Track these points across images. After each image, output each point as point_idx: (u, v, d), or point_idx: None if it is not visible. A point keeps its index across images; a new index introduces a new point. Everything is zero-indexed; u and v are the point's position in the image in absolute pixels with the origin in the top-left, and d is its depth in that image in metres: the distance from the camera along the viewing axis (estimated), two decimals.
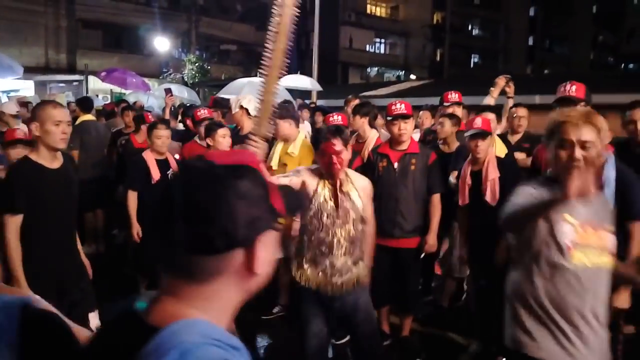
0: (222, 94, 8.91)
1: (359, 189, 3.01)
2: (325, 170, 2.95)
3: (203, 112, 5.28)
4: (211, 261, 0.83)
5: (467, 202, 3.77)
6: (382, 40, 38.22)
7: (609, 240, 2.01)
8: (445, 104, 5.13)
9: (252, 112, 5.09)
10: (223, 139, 4.46)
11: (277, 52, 1.77)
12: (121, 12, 23.64)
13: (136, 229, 4.41)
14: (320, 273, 2.94)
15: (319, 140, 2.97)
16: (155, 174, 4.45)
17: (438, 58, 40.69)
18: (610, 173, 2.81)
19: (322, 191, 2.94)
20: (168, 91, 6.94)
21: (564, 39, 50.89)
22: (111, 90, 18.10)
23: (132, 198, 4.47)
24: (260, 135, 1.80)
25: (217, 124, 4.64)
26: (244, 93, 7.96)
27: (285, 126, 4.49)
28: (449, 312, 4.78)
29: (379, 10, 37.78)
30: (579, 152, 1.93)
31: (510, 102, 5.20)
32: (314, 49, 15.64)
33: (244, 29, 28.24)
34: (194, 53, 23.63)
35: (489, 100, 5.14)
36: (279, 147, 4.60)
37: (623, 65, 41.12)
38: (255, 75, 12.20)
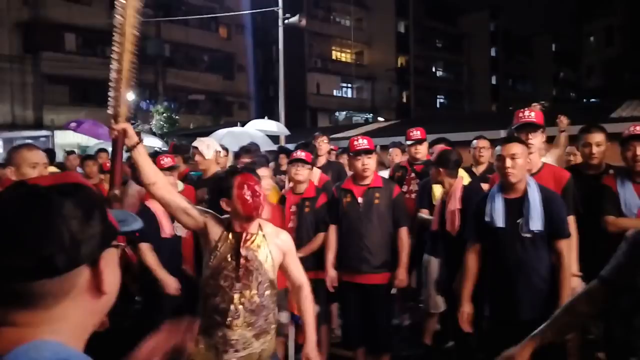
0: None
1: (275, 247, 2.49)
2: (237, 214, 2.41)
3: (167, 161, 4.93)
4: (53, 284, 0.78)
5: (436, 228, 3.86)
6: (349, 85, 38.99)
7: None
8: (408, 141, 5.07)
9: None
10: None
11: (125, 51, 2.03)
12: (87, 66, 23.57)
13: None
14: (212, 347, 2.43)
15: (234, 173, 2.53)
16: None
17: (405, 100, 41.59)
18: (534, 195, 2.90)
19: (223, 245, 2.43)
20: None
21: (526, 77, 52.84)
22: (78, 144, 17.82)
23: None
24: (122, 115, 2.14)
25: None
26: (224, 143, 7.81)
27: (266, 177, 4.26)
28: (435, 351, 4.46)
29: (344, 56, 38.69)
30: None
31: (562, 136, 4.79)
32: (280, 92, 15.68)
33: (211, 79, 28.46)
34: (162, 104, 23.56)
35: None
36: None
37: (585, 100, 42.63)
38: (224, 124, 12.23)
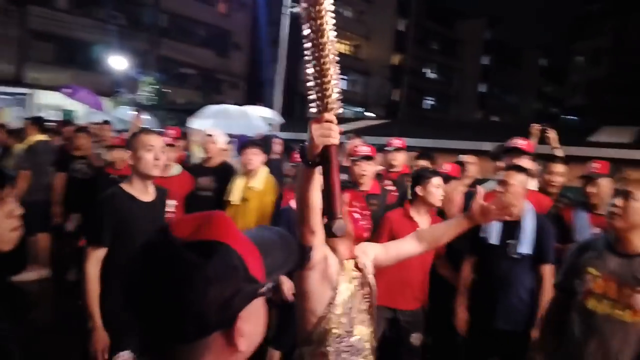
0: (193, 123, 8.46)
1: (369, 262, 2.19)
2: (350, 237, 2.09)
3: (165, 139, 4.87)
4: (185, 349, 0.77)
5: None
6: (343, 77, 38.91)
7: (634, 298, 2.19)
8: (388, 148, 5.10)
9: (221, 141, 4.92)
10: (437, 189, 3.54)
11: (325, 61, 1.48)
12: (77, 27, 22.97)
13: None
14: None
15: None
16: None
17: (395, 98, 41.75)
18: (529, 221, 3.19)
19: (346, 276, 2.05)
20: (137, 113, 6.67)
21: (513, 89, 53.49)
22: (59, 106, 17.39)
23: None
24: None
25: (430, 172, 3.71)
26: (218, 122, 7.55)
27: (249, 155, 4.35)
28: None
29: (342, 47, 38.55)
30: None
31: (558, 153, 4.84)
32: (278, 79, 15.45)
33: (204, 54, 28.02)
34: (152, 75, 23.16)
35: None
36: (239, 180, 4.40)
37: (567, 116, 43.51)
38: (214, 101, 11.97)
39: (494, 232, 3.24)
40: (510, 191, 3.16)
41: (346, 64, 38.07)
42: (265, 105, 13.65)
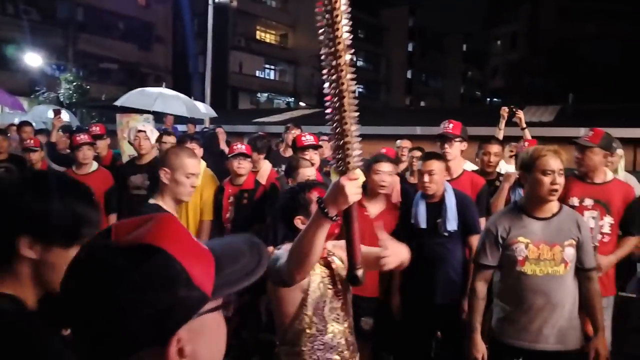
0: (126, 104, 8.10)
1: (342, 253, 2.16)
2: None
3: (83, 137, 4.67)
4: None
5: None
6: (272, 67, 38.68)
7: (565, 253, 2.57)
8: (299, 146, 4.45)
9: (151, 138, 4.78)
10: (378, 175, 3.57)
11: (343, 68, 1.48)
12: None
13: None
14: None
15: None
16: None
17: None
18: (451, 199, 3.39)
19: (316, 276, 2.09)
20: (57, 112, 6.36)
21: (438, 74, 55.31)
22: None
23: None
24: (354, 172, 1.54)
25: (373, 159, 3.72)
26: (156, 107, 7.30)
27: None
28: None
29: (269, 37, 38.28)
30: None
31: (526, 133, 5.03)
32: (206, 71, 15.21)
33: (126, 48, 27.00)
34: (71, 71, 22.03)
35: (498, 133, 5.06)
36: None
37: (489, 99, 45.60)
38: None
39: (420, 217, 3.42)
40: (434, 180, 3.36)
41: (274, 54, 37.88)
42: (195, 99, 13.40)
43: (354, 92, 1.55)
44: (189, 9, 22.14)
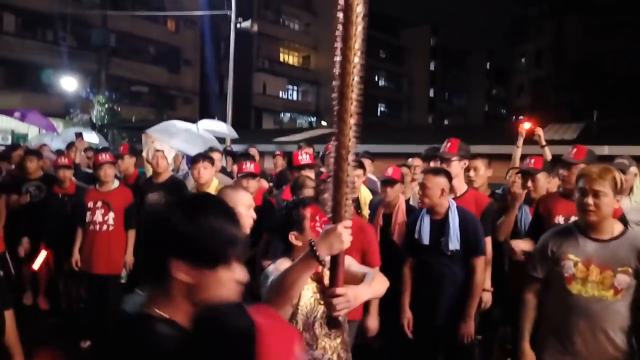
0: (152, 132, 8.19)
1: None
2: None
3: (104, 157, 4.87)
4: None
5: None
6: (295, 87, 39.45)
7: (616, 279, 2.46)
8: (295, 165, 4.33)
9: (168, 153, 5.09)
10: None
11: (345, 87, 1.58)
12: (26, 50, 22.69)
13: None
14: None
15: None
16: None
17: None
18: (454, 218, 3.32)
19: (307, 291, 2.09)
20: (79, 135, 6.90)
21: (461, 92, 55.28)
22: (12, 130, 17.20)
23: None
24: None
25: None
26: (172, 144, 7.10)
27: (200, 169, 4.41)
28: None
29: (292, 59, 39.12)
30: None
31: (546, 152, 4.84)
32: (228, 93, 15.77)
33: (156, 71, 28.04)
34: (104, 94, 23.04)
35: (517, 151, 4.97)
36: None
37: (514, 117, 45.31)
38: (167, 118, 11.90)
39: (424, 233, 3.37)
40: (427, 194, 3.35)
41: (296, 75, 38.63)
42: (218, 119, 13.89)
43: (352, 161, 1.65)
44: (214, 34, 22.94)
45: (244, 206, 2.45)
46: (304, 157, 4.14)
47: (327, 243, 1.65)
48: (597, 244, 2.51)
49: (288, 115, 38.55)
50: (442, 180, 3.37)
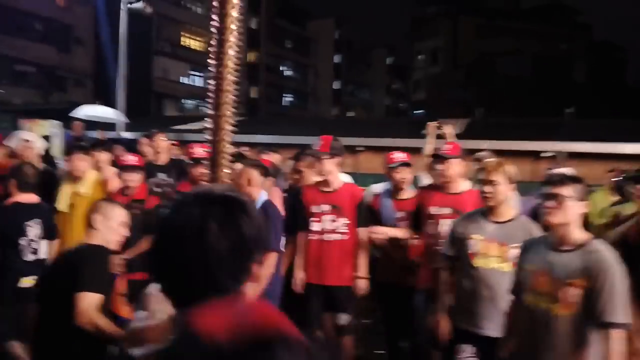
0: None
1: None
2: None
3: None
4: None
5: None
6: (199, 73, 38.12)
7: (510, 253, 2.87)
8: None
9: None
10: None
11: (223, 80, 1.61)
12: None
13: None
14: None
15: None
16: None
17: (254, 95, 42.04)
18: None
19: None
20: None
21: (364, 86, 56.80)
22: None
23: None
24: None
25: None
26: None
27: (76, 162, 4.23)
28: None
29: (195, 44, 37.73)
30: None
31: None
32: (120, 76, 14.49)
33: (44, 50, 25.76)
34: None
35: (429, 148, 4.94)
36: (66, 187, 4.28)
37: (414, 110, 47.50)
38: (57, 100, 11.00)
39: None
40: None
41: (200, 61, 37.39)
42: (110, 105, 12.90)
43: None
44: (110, 12, 21.45)
45: (117, 222, 2.64)
46: (200, 150, 4.10)
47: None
48: (496, 225, 2.97)
49: (191, 102, 37.22)
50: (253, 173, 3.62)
